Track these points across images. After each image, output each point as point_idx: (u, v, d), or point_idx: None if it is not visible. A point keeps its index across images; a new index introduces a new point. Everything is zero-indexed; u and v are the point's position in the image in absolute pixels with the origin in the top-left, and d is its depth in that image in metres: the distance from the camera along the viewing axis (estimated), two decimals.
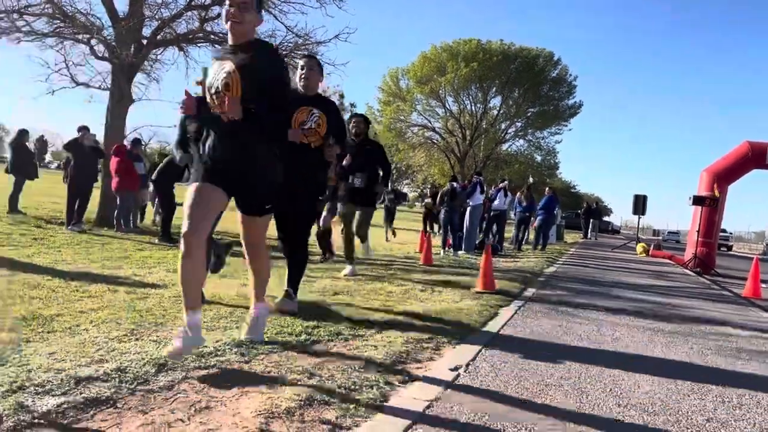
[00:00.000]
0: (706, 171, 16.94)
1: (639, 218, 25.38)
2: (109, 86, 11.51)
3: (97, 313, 4.11)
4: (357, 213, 7.70)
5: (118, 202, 10.83)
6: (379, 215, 13.53)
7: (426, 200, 18.57)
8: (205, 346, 3.47)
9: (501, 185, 15.39)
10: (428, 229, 16.52)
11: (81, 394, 2.56)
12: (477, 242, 14.08)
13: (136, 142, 12.05)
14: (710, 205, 16.01)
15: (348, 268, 7.52)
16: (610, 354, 4.45)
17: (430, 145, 48.64)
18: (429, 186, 18.14)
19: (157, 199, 11.03)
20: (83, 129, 10.39)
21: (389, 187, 13.94)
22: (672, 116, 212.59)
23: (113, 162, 10.75)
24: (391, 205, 17.26)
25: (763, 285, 10.29)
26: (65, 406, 2.43)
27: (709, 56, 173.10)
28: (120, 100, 11.26)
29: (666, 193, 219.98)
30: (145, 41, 11.52)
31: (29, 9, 10.66)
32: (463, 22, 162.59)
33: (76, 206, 10.11)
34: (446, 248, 12.98)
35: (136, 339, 3.54)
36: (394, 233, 16.30)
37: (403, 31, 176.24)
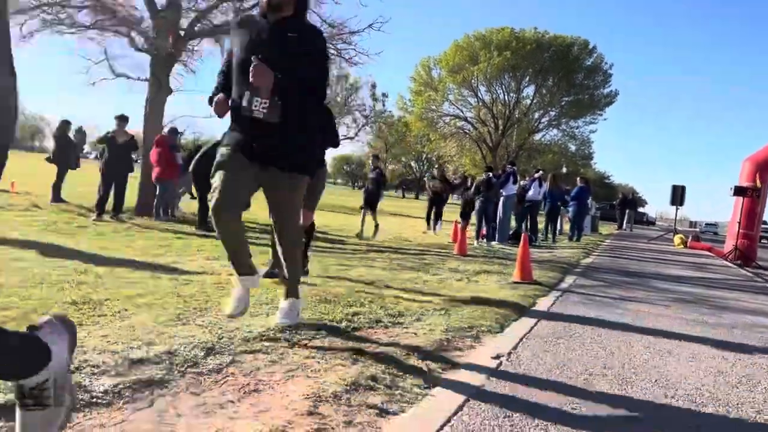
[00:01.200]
0: (749, 160, 16.47)
1: (677, 209, 24.85)
2: (147, 77, 11.71)
3: (143, 299, 4.21)
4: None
5: (157, 192, 11.04)
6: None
7: (433, 182, 15.87)
8: (250, 332, 3.53)
9: (536, 175, 15.21)
10: (429, 220, 15.28)
11: (135, 375, 2.64)
12: (511, 233, 13.97)
13: (173, 131, 12.24)
14: (752, 195, 15.58)
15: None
16: (652, 345, 4.38)
17: (461, 135, 48.30)
18: (436, 167, 16.32)
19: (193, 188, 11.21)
20: (121, 118, 10.54)
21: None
22: (712, 104, 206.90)
23: (154, 152, 10.94)
24: (372, 186, 12.83)
25: None
26: (121, 386, 2.50)
27: (752, 39, 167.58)
28: (158, 91, 11.45)
29: (702, 184, 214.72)
30: (182, 32, 11.68)
31: (71, 1, 10.89)
32: (496, 10, 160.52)
33: (110, 197, 10.28)
34: (480, 239, 12.91)
35: (183, 323, 3.62)
36: (375, 230, 12.17)
37: (436, 21, 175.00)
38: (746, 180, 16.10)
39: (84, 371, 2.61)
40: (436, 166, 17.15)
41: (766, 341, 4.95)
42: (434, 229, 15.06)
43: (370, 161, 14.65)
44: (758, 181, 15.69)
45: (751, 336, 5.12)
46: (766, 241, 37.06)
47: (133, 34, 11.34)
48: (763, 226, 25.59)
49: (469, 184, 15.36)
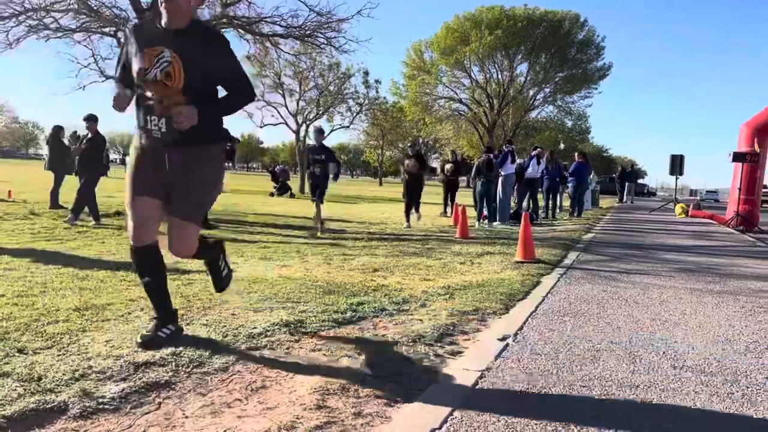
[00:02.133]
0: (746, 125, 16.39)
1: (676, 179, 24.81)
2: None
3: (146, 301, 4.18)
4: None
5: None
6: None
7: (447, 166, 15.94)
8: (254, 328, 3.52)
9: (534, 153, 15.15)
10: (448, 204, 15.46)
11: (141, 378, 2.63)
12: (511, 212, 13.94)
13: None
14: (751, 160, 15.53)
15: None
16: (659, 317, 4.37)
17: (457, 117, 48.14)
18: (409, 145, 13.89)
19: None
20: (89, 119, 10.36)
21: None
22: (707, 72, 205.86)
23: None
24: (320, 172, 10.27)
25: None
26: (127, 390, 2.49)
27: (744, 5, 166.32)
28: None
29: (701, 152, 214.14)
30: None
31: (55, 6, 10.79)
32: None
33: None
34: (481, 220, 12.88)
35: (187, 323, 3.61)
36: (320, 225, 9.64)
37: (426, 3, 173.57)
38: (744, 145, 16.04)
39: (89, 378, 2.60)
40: (409, 144, 14.01)
41: None
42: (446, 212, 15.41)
43: (312, 135, 10.70)
44: (756, 146, 15.63)
45: (756, 302, 5.11)
46: (767, 206, 37.05)
47: (120, 34, 11.25)
48: (764, 190, 25.58)
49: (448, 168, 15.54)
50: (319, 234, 9.16)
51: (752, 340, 3.79)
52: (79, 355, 2.91)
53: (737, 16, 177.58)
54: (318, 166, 9.68)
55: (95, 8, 10.96)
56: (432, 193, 16.93)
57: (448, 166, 15.86)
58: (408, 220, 11.73)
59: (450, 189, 15.96)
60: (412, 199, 11.87)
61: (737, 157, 15.52)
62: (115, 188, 19.49)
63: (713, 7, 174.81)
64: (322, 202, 9.75)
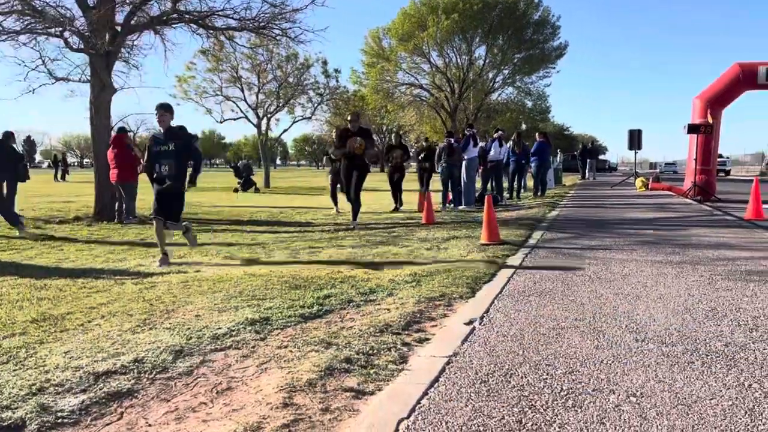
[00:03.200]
0: (699, 98, 16.76)
1: (635, 153, 25.32)
2: (89, 78, 11.29)
3: (107, 307, 4.10)
4: None
5: (118, 194, 10.75)
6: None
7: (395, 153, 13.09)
8: (219, 328, 3.47)
9: (496, 135, 15.25)
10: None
11: (102, 389, 2.56)
12: (477, 195, 14.03)
13: (121, 130, 11.86)
14: (705, 132, 15.90)
15: None
16: (621, 291, 4.45)
17: (419, 103, 48.09)
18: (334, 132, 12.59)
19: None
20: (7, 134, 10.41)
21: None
22: (661, 48, 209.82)
23: (111, 153, 10.61)
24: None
25: (766, 206, 10.28)
26: (87, 402, 2.42)
27: None
28: (102, 91, 11.06)
29: (660, 124, 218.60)
30: (119, 28, 11.27)
31: None
32: None
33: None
34: (447, 204, 12.93)
35: (150, 328, 3.54)
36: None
37: None
38: (698, 117, 16.41)
39: (47, 391, 2.53)
40: (333, 132, 12.22)
41: (728, 274, 5.08)
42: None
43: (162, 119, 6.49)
44: (710, 118, 16.01)
45: (714, 270, 5.25)
46: (722, 174, 38.08)
47: (67, 34, 10.89)
48: (719, 159, 26.27)
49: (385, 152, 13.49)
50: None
51: (710, 308, 3.89)
52: (36, 368, 2.83)
53: None
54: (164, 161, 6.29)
55: (39, 8, 10.57)
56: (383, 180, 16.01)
57: (396, 153, 13.27)
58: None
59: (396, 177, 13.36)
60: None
61: (692, 128, 15.88)
62: (74, 192, 19.01)
63: None
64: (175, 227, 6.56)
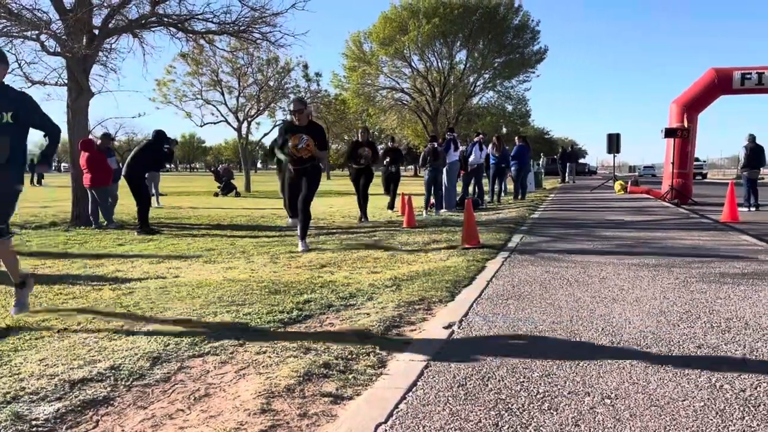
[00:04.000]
0: (675, 102, 17.05)
1: (614, 157, 25.62)
2: (65, 82, 11.16)
3: (84, 314, 4.06)
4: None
5: (91, 199, 10.62)
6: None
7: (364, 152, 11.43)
8: (197, 334, 3.45)
9: (476, 139, 15.34)
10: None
11: (77, 397, 2.54)
12: (458, 199, 14.10)
13: (107, 136, 11.75)
14: (682, 136, 16.18)
15: None
16: (598, 294, 4.51)
17: (400, 107, 48.23)
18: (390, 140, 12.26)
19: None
20: None
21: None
22: (638, 52, 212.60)
23: (83, 158, 10.49)
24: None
25: (741, 209, 10.47)
26: (63, 410, 2.40)
27: None
28: (79, 95, 10.93)
29: (639, 128, 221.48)
30: (96, 31, 11.15)
31: None
32: None
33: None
34: (428, 208, 12.97)
35: (127, 335, 3.51)
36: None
37: None
38: (675, 121, 16.68)
39: (22, 399, 2.50)
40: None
41: (702, 276, 5.17)
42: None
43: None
44: (686, 122, 16.28)
45: (689, 272, 5.33)
46: (699, 177, 38.71)
47: (44, 37, 10.75)
48: (696, 163, 26.67)
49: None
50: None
51: (684, 311, 3.96)
52: (11, 376, 2.79)
53: None
54: None
55: (16, 12, 10.43)
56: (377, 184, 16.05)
57: (365, 152, 11.50)
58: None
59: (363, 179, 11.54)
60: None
61: (669, 132, 16.15)
62: (51, 197, 18.75)
63: None
64: None
